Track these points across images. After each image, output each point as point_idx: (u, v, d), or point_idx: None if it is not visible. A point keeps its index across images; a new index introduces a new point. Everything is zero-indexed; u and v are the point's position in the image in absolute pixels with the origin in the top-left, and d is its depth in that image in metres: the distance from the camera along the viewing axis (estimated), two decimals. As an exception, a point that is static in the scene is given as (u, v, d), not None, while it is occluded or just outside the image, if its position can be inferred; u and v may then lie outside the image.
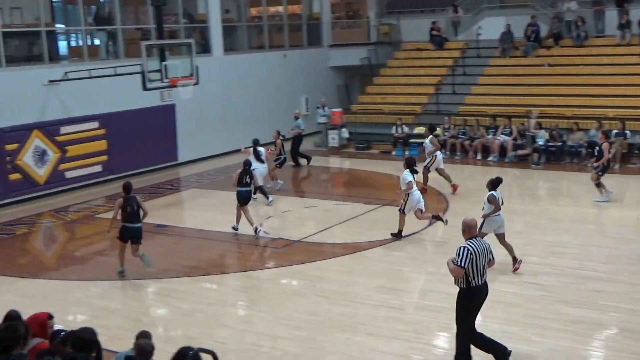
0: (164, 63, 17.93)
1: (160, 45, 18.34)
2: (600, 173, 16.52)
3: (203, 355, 6.37)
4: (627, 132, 20.83)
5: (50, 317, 7.23)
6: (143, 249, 12.53)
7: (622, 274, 11.88)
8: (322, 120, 25.69)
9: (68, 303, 11.61)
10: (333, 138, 25.39)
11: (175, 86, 18.42)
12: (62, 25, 22.70)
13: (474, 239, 8.41)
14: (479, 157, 22.47)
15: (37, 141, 18.69)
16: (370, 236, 14.44)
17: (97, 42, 22.64)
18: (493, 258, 8.67)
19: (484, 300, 8.58)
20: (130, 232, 12.42)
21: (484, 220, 12.17)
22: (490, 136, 22.56)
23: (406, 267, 12.72)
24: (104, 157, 20.34)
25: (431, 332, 9.94)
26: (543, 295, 11.04)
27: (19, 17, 20.68)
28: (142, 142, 21.18)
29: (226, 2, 25.82)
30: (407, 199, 13.95)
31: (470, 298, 8.43)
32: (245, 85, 25.28)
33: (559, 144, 21.46)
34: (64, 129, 19.35)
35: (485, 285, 8.49)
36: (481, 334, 8.65)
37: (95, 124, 20.11)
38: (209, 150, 23.64)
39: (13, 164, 18.14)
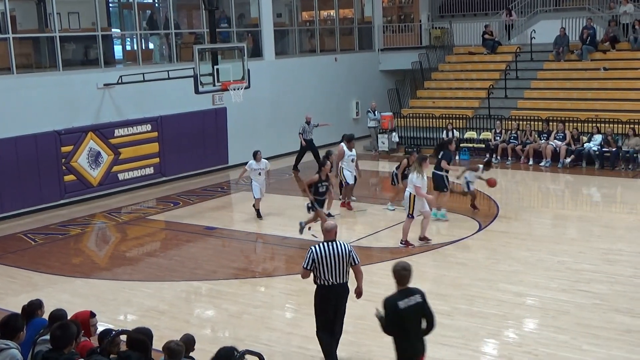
0: (216, 67, 18.12)
1: (212, 49, 18.54)
2: None
3: (250, 357, 6.40)
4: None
5: (92, 315, 7.31)
6: (191, 250, 12.61)
7: (678, 283, 11.60)
8: (372, 124, 25.67)
9: (119, 303, 11.80)
10: (383, 142, 25.33)
11: (226, 90, 18.56)
12: (118, 30, 23.13)
13: (325, 242, 8.60)
14: (530, 162, 22.17)
15: (91, 143, 19.08)
16: (420, 241, 14.33)
17: (151, 46, 23.00)
18: (355, 262, 8.71)
19: (340, 301, 8.75)
20: None
21: None
22: (542, 141, 22.24)
23: (455, 272, 12.60)
24: (156, 160, 20.64)
25: (479, 339, 9.82)
26: (596, 303, 10.81)
27: (76, 22, 21.12)
28: (193, 144, 21.45)
29: (278, 6, 25.98)
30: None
31: (319, 296, 8.75)
32: (296, 89, 25.39)
33: (614, 149, 21.04)
34: (118, 132, 19.71)
35: (337, 287, 8.62)
36: (325, 338, 8.86)
37: (148, 127, 20.44)
38: (259, 154, 23.75)
39: (67, 166, 18.53)
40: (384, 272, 12.64)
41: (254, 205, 16.69)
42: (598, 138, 21.53)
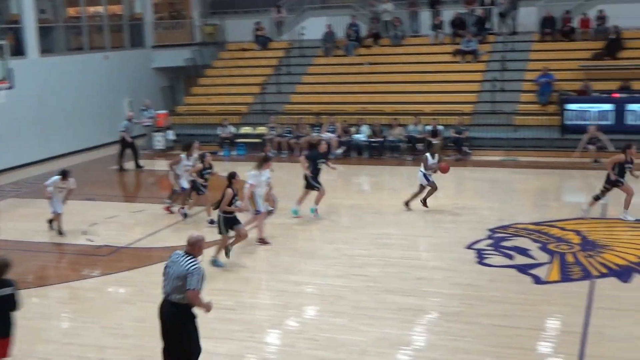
0: (-27, 66, 16.88)
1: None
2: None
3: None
4: (440, 126, 22.02)
5: None
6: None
7: (441, 260, 12.53)
8: (147, 122, 25.17)
9: None
10: (159, 140, 24.91)
11: (-14, 90, 17.36)
12: None
13: (180, 252, 7.83)
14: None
15: None
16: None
17: None
18: (188, 287, 7.57)
19: (167, 321, 7.78)
20: None
21: None
22: (315, 134, 23.05)
23: (237, 267, 12.71)
24: None
25: (263, 330, 10.00)
26: (369, 286, 11.41)
27: None
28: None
29: (41, 1, 24.64)
30: None
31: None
32: (64, 88, 24.26)
33: (380, 139, 22.31)
34: None
35: (164, 303, 7.78)
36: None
37: None
38: (25, 158, 22.48)
39: None
40: (165, 272, 12.52)
41: (50, 220, 15.44)
42: (366, 129, 22.73)
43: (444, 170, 15.91)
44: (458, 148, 21.81)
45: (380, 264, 12.42)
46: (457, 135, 21.86)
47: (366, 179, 20.80)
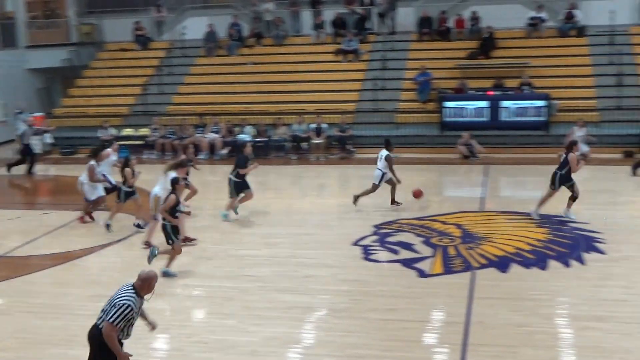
0: None
1: None
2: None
3: None
4: (324, 125, 22.26)
5: None
6: None
7: (327, 258, 12.65)
8: (22, 126, 24.17)
9: None
10: (35, 144, 23.93)
11: None
12: None
13: (129, 283, 7.80)
14: (189, 156, 22.61)
15: None
16: (82, 244, 13.89)
17: None
18: (107, 319, 7.44)
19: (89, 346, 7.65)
20: None
21: None
22: (199, 135, 22.82)
23: (121, 272, 12.37)
24: None
25: (151, 335, 9.75)
26: (259, 286, 11.39)
27: None
28: None
29: None
30: None
31: None
32: None
33: (265, 139, 22.32)
34: None
35: (92, 327, 7.65)
36: None
37: None
38: None
39: None
40: (46, 280, 12.11)
41: None
42: (250, 129, 22.70)
43: (417, 196, 15.74)
44: (342, 146, 22.12)
45: (269, 264, 12.42)
46: (340, 134, 22.16)
47: (252, 178, 20.59)
